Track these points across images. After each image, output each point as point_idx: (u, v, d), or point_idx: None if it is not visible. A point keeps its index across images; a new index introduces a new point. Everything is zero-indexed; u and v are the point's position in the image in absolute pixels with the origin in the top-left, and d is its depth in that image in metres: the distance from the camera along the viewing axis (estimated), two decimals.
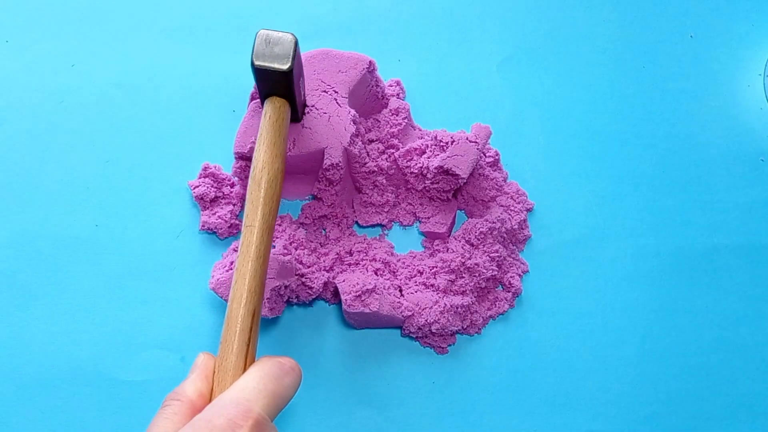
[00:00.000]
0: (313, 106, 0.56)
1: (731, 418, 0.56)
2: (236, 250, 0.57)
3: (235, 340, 0.43)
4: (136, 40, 0.65)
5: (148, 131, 0.62)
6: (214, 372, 0.43)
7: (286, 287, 0.54)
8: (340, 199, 0.59)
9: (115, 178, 0.61)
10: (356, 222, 0.60)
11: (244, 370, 0.43)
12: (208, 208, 0.59)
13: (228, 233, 0.59)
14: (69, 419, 0.55)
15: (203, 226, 0.58)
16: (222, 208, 0.59)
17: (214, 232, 0.59)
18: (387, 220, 0.60)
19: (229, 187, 0.59)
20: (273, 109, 0.50)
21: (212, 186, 0.59)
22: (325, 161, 0.55)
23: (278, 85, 0.50)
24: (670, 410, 0.56)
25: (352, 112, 0.56)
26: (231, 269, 0.53)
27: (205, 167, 0.59)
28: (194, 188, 0.59)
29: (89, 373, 0.56)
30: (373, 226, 0.60)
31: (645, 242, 0.60)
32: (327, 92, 0.56)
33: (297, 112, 0.53)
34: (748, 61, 0.66)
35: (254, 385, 0.41)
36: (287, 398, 0.42)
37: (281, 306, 0.55)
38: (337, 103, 0.56)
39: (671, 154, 0.63)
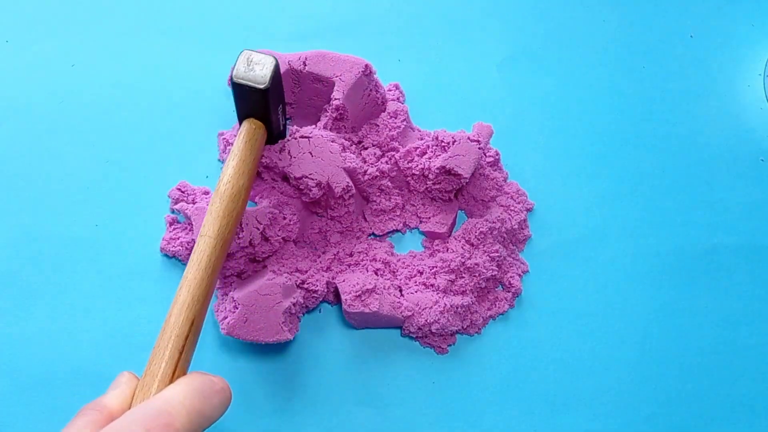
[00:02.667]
0: (294, 135, 0.56)
1: (731, 418, 0.56)
2: (220, 288, 0.56)
3: (168, 345, 0.41)
4: (136, 40, 0.65)
5: (148, 131, 0.62)
6: (141, 378, 0.41)
7: (294, 304, 0.54)
8: (356, 215, 0.59)
9: (115, 178, 0.61)
10: (373, 233, 0.59)
11: (172, 380, 0.40)
12: (173, 230, 0.58)
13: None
14: (69, 419, 0.54)
15: (163, 249, 0.58)
16: (186, 234, 0.58)
17: (177, 258, 0.58)
18: (401, 225, 0.60)
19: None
20: (248, 129, 0.51)
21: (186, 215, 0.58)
22: (335, 189, 0.55)
23: (255, 105, 0.50)
24: (670, 410, 0.56)
25: (331, 134, 0.56)
26: (236, 307, 0.53)
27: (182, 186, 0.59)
28: (174, 200, 0.59)
29: (89, 373, 0.56)
30: (390, 233, 0.60)
31: (645, 242, 0.60)
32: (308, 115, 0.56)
33: (272, 135, 0.53)
34: (748, 61, 0.66)
35: (180, 399, 0.38)
36: (212, 420, 0.39)
37: (297, 323, 0.55)
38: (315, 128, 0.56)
39: (671, 154, 0.63)
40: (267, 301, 0.52)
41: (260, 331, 0.52)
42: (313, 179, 0.54)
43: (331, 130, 0.58)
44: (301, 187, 0.55)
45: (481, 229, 0.57)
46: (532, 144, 0.63)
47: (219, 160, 0.61)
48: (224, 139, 0.61)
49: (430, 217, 0.59)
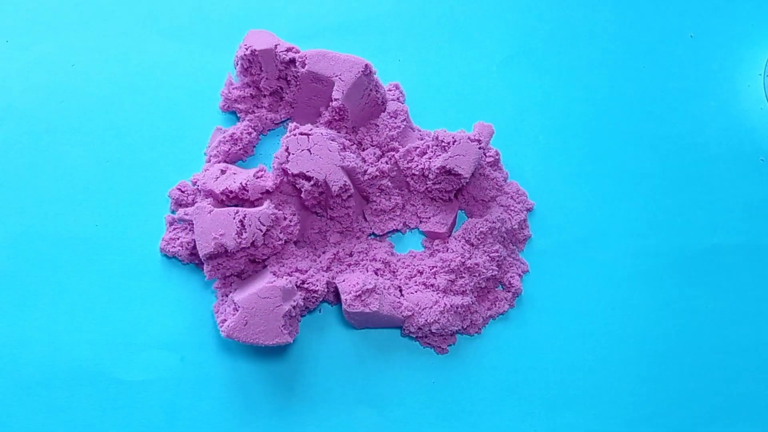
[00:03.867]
0: (293, 132, 0.55)
1: (731, 418, 0.56)
2: (220, 288, 0.56)
3: None
4: (136, 40, 0.65)
5: (148, 131, 0.62)
6: None
7: (294, 307, 0.53)
8: (355, 215, 0.58)
9: (115, 178, 0.61)
10: (373, 233, 0.59)
11: None
12: (174, 230, 0.58)
13: (189, 260, 0.58)
14: (69, 419, 0.55)
15: (163, 249, 0.58)
16: (186, 234, 0.58)
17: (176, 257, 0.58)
18: (401, 225, 0.60)
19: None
20: None
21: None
22: (332, 188, 0.55)
23: None
24: (670, 410, 0.56)
25: (331, 133, 0.56)
26: (236, 310, 0.53)
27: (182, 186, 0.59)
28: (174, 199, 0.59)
29: (89, 373, 0.56)
30: (390, 233, 0.60)
31: (645, 242, 0.60)
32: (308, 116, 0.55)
33: None
34: (748, 61, 0.66)
35: None
36: None
37: (297, 325, 0.55)
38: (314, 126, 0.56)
39: (671, 154, 0.63)
40: (267, 305, 0.52)
41: (260, 334, 0.52)
42: (310, 176, 0.54)
43: (330, 129, 0.58)
44: (297, 184, 0.55)
45: (481, 229, 0.57)
46: (532, 144, 0.63)
47: (204, 153, 0.61)
48: (222, 133, 0.61)
49: (430, 217, 0.59)
